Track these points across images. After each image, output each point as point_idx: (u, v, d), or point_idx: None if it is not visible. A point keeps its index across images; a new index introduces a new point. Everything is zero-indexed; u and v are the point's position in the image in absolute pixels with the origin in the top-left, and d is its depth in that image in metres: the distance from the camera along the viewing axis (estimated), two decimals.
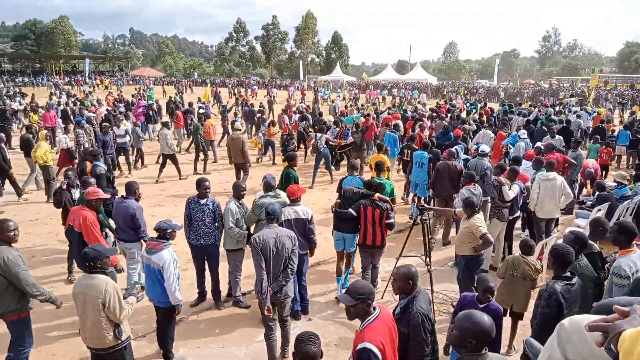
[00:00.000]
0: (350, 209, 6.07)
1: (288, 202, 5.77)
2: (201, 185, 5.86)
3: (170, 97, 23.85)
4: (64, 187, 7.19)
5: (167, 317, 4.88)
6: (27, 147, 11.43)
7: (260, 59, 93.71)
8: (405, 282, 3.46)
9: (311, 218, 5.74)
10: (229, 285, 6.24)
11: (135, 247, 6.14)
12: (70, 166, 10.60)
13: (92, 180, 6.67)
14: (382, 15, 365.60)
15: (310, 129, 15.08)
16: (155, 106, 19.58)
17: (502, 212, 6.94)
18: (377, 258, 6.34)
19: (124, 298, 4.07)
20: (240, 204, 5.94)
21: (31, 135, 12.19)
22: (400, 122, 14.24)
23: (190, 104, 19.75)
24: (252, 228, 6.02)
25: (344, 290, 6.84)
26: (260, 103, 25.14)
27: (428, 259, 5.96)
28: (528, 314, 4.72)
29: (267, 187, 6.04)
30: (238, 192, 5.97)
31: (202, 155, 13.56)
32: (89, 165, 8.66)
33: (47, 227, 9.02)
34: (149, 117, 18.24)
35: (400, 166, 11.61)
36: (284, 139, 13.70)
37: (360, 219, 6.02)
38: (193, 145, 14.40)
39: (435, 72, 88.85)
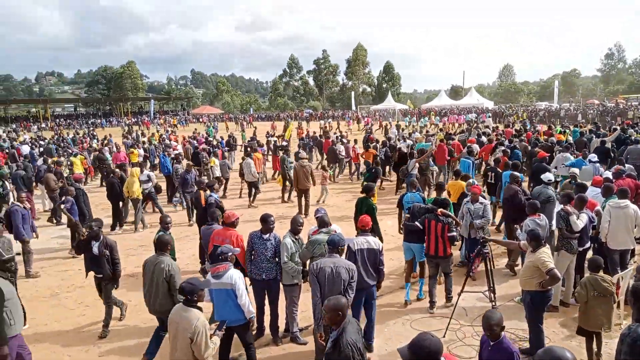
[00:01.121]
0: (416, 222, 6.80)
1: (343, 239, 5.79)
2: (267, 221, 5.93)
3: (229, 133, 25.19)
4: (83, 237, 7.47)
5: (245, 332, 5.12)
6: (110, 189, 11.82)
7: (313, 92, 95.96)
8: (335, 314, 3.51)
9: (382, 249, 5.73)
10: (286, 320, 6.25)
11: None
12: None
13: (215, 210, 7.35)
14: (434, 42, 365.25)
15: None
16: (215, 142, 20.56)
17: (570, 243, 6.53)
18: (445, 267, 6.86)
19: (211, 336, 4.24)
20: (296, 238, 6.00)
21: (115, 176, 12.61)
22: (475, 147, 14.23)
23: (252, 138, 20.65)
24: (307, 263, 6.04)
25: (411, 294, 7.15)
26: (318, 133, 25.45)
27: (492, 294, 5.69)
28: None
29: (322, 223, 6.07)
30: (295, 227, 6.03)
31: (283, 185, 14.35)
32: (202, 194, 9.24)
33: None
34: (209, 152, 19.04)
35: (485, 188, 11.18)
36: (369, 167, 14.18)
37: (425, 232, 6.70)
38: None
39: (492, 96, 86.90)
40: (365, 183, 8.63)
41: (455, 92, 79.77)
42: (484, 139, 16.86)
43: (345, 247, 5.40)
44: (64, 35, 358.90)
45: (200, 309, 4.27)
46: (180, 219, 12.22)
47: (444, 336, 5.98)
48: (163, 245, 5.52)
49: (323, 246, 5.54)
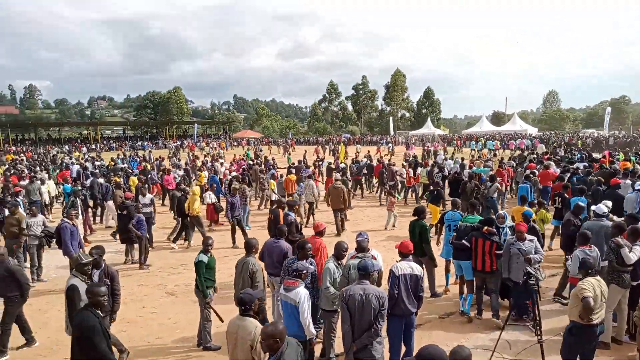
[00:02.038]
0: (463, 241, 7.31)
1: (380, 265, 5.75)
2: (304, 248, 6.00)
3: (265, 157, 25.93)
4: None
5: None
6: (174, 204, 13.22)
7: (351, 117, 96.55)
8: (272, 341, 3.53)
9: (423, 275, 5.65)
10: (323, 345, 6.19)
11: None
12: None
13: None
14: (476, 67, 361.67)
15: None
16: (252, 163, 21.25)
17: (622, 277, 6.21)
18: (491, 283, 7.21)
19: None
20: (339, 264, 5.99)
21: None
22: (535, 172, 14.89)
23: (300, 161, 21.60)
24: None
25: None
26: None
27: (538, 328, 5.46)
28: None
29: (360, 248, 6.05)
30: (338, 252, 6.04)
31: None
32: (281, 212, 9.64)
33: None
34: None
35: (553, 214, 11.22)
36: (432, 189, 14.28)
37: (472, 249, 7.18)
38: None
39: (535, 123, 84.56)
40: (416, 206, 8.76)
41: (497, 118, 78.19)
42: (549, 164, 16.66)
43: (376, 273, 5.39)
44: (116, 62, 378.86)
45: (256, 318, 4.37)
46: (221, 240, 12.45)
47: None
48: (250, 248, 6.37)
49: (356, 272, 5.51)
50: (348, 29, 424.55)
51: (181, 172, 20.53)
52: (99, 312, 4.61)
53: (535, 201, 10.77)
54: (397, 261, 5.76)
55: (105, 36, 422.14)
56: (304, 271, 5.23)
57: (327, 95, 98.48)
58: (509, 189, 17.29)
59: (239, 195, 12.88)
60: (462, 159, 20.29)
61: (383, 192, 18.05)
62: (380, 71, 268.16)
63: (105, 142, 66.58)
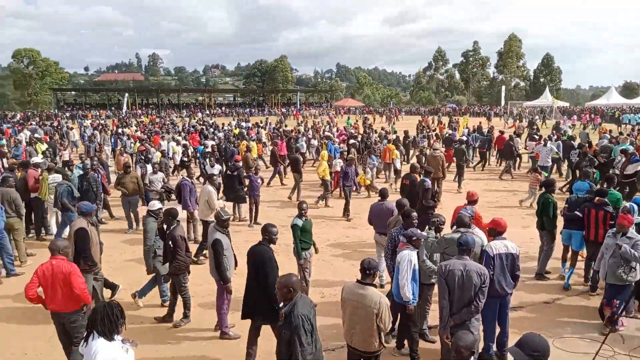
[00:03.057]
0: (576, 211, 7.36)
1: (482, 241, 5.56)
2: (410, 216, 5.95)
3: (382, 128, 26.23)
4: None
5: (405, 315, 5.25)
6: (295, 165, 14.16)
7: (458, 86, 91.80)
8: (286, 290, 3.81)
9: (519, 254, 5.40)
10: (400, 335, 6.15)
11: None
12: None
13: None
14: (604, 32, 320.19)
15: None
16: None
17: None
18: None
19: None
20: (436, 237, 5.91)
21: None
22: None
23: (407, 132, 21.26)
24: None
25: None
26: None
27: None
28: None
29: (460, 223, 5.87)
30: (436, 225, 6.01)
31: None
32: (417, 177, 9.98)
33: None
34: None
35: None
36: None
37: (585, 219, 7.21)
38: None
39: None
40: (545, 179, 8.43)
41: (629, 90, 69.16)
42: None
43: (479, 249, 5.29)
44: (228, 32, 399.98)
45: (375, 286, 4.50)
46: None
47: None
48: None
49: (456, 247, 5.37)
50: None
51: (303, 139, 20.97)
52: (271, 246, 5.54)
53: None
54: (490, 240, 5.52)
55: (220, 7, 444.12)
56: (414, 237, 5.24)
57: (432, 63, 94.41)
58: None
59: (354, 166, 12.84)
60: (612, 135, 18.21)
61: (506, 166, 17.48)
62: (493, 37, 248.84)
63: (217, 108, 71.11)
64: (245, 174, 11.70)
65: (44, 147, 17.74)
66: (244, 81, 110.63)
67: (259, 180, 11.87)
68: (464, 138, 18.58)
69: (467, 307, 4.52)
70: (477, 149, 19.36)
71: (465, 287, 4.51)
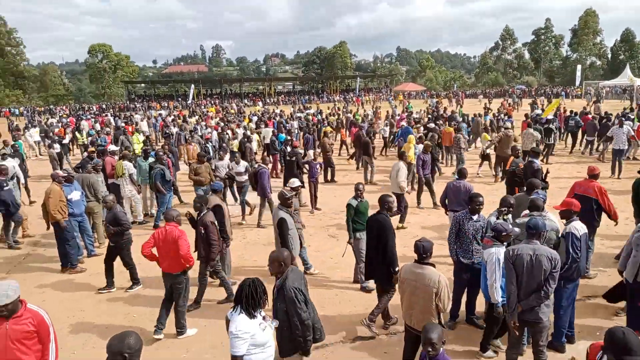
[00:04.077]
0: None
1: (556, 226, 5.31)
2: (475, 200, 5.75)
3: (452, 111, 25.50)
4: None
5: (490, 314, 5.04)
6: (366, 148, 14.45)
7: (528, 66, 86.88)
8: (277, 264, 3.95)
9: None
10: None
11: None
12: None
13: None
14: None
15: None
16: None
17: None
18: None
19: None
20: (504, 219, 5.66)
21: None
22: None
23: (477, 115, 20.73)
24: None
25: None
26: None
27: None
28: None
29: (533, 206, 5.55)
30: (505, 205, 5.80)
31: None
32: (510, 159, 10.18)
33: None
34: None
35: None
36: None
37: None
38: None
39: None
40: None
41: None
42: None
43: (553, 233, 5.16)
44: (288, 20, 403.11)
45: (434, 265, 4.39)
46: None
47: None
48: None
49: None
50: None
51: (365, 125, 20.60)
52: (389, 214, 5.85)
53: None
54: (566, 222, 5.25)
55: None
56: (504, 233, 4.84)
57: (500, 43, 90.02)
58: None
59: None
60: None
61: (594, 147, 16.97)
62: (565, 12, 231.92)
63: (277, 96, 72.28)
64: (303, 160, 11.79)
65: (142, 137, 18.19)
66: (303, 69, 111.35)
67: (318, 167, 12.05)
68: (550, 117, 18.49)
69: (537, 293, 4.32)
70: (570, 132, 18.57)
71: (534, 272, 4.31)
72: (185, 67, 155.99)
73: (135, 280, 7.43)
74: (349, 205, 6.90)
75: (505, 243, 4.89)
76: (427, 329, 3.40)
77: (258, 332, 3.53)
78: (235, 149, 14.79)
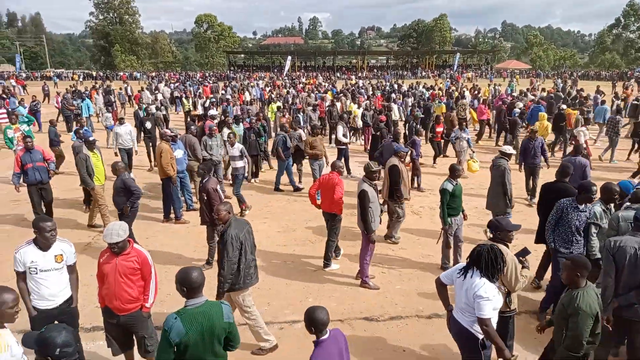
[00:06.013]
0: None
1: None
2: (589, 190, 5.24)
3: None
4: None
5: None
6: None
7: None
8: (225, 213, 4.72)
9: None
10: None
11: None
12: None
13: None
14: None
15: None
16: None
17: None
18: None
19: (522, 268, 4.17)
20: (607, 208, 5.24)
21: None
22: None
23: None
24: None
25: None
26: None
27: None
28: None
29: (635, 198, 5.06)
30: (609, 196, 5.28)
31: None
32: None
33: None
34: None
35: None
36: None
37: None
38: None
39: None
40: None
41: None
42: None
43: None
44: None
45: (506, 245, 4.17)
46: None
47: None
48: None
49: (630, 224, 4.63)
50: None
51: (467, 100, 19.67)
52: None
53: None
54: None
55: None
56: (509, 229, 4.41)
57: (621, 19, 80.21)
58: None
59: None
60: None
61: None
62: None
63: (369, 70, 71.44)
64: (387, 134, 11.47)
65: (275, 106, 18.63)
66: (399, 43, 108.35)
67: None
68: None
69: (638, 290, 3.97)
70: None
71: (638, 266, 3.95)
72: (282, 39, 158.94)
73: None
74: (443, 190, 6.55)
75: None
76: (309, 310, 3.17)
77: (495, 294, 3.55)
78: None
